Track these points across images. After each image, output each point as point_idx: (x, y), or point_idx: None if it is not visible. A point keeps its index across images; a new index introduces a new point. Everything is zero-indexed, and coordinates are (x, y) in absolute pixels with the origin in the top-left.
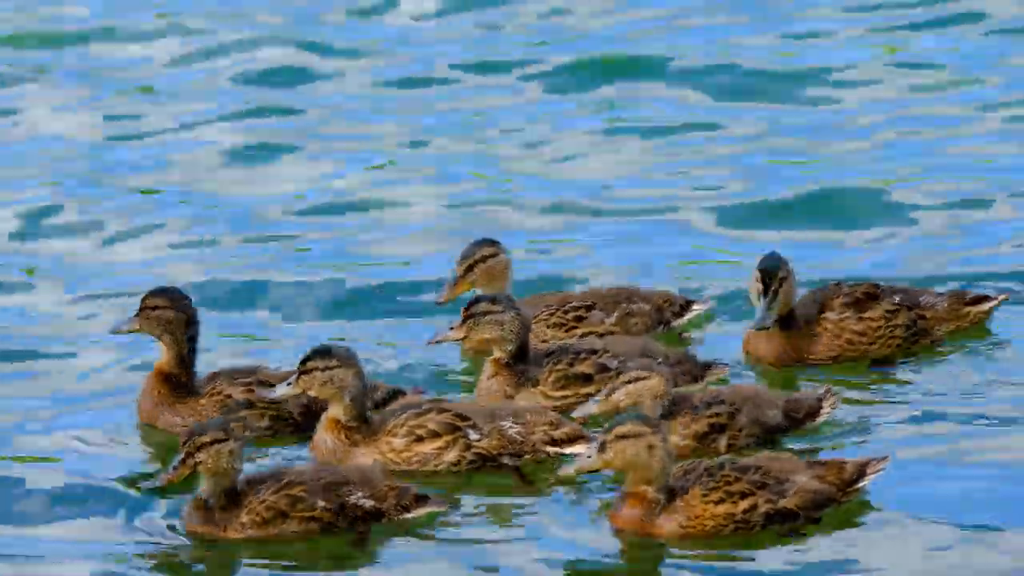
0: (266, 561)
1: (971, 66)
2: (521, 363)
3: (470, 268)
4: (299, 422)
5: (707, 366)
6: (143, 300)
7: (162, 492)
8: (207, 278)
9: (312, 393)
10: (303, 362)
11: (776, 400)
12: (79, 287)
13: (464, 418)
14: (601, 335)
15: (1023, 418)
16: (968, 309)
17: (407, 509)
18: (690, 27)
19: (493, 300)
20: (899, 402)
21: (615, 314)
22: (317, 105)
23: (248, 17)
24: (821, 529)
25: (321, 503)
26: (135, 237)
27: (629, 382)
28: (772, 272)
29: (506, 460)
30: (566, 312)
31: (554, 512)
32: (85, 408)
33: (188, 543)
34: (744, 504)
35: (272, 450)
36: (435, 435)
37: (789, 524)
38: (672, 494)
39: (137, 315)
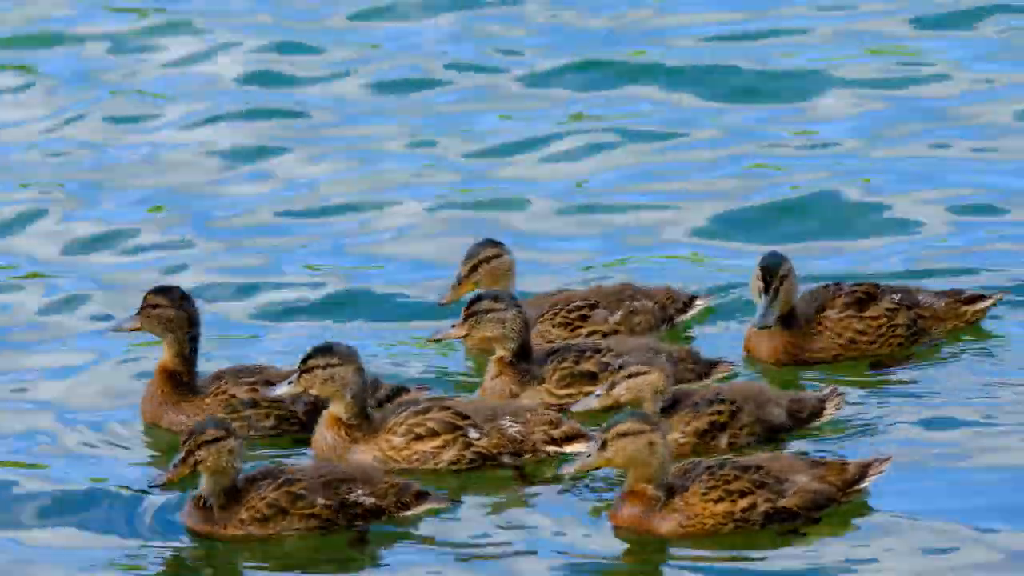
0: (266, 563)
1: (966, 66)
2: (524, 361)
3: (474, 268)
4: (304, 421)
5: (713, 364)
6: (144, 298)
7: (169, 489)
8: (204, 279)
9: (313, 391)
10: (304, 360)
11: (779, 399)
12: (79, 287)
13: (464, 417)
14: (605, 335)
15: None
16: (965, 308)
17: (407, 506)
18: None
19: (495, 298)
20: (901, 403)
21: (619, 312)
22: (313, 107)
23: (245, 17)
24: (821, 529)
25: (321, 500)
26: (132, 237)
27: (629, 376)
28: (773, 270)
29: (506, 459)
30: (570, 312)
31: (554, 512)
32: (85, 410)
33: (189, 545)
34: (743, 503)
35: (276, 450)
36: (434, 434)
37: (788, 523)
38: (672, 492)
39: (138, 313)
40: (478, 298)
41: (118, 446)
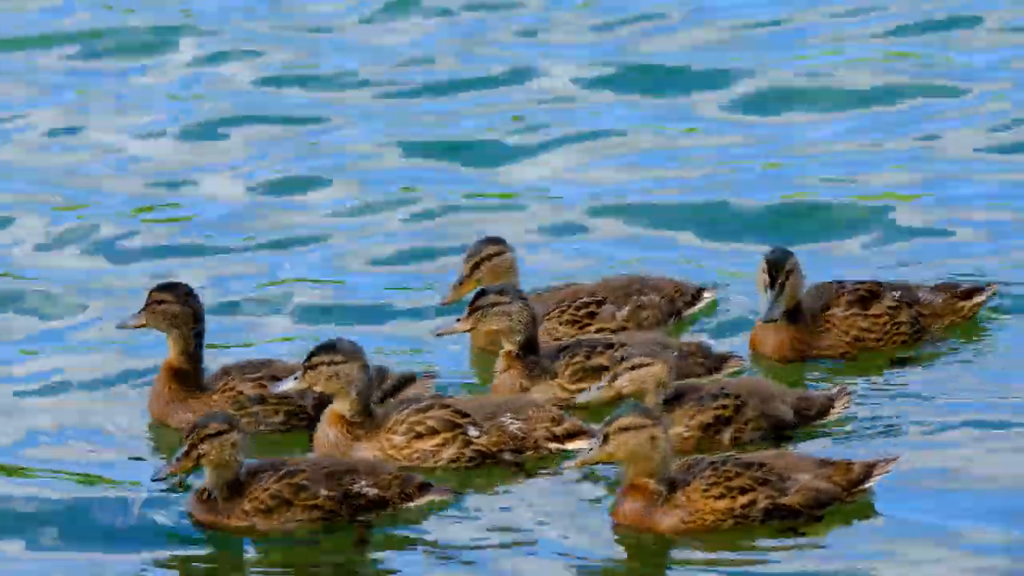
0: (269, 565)
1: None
2: (532, 355)
3: (476, 266)
4: (312, 416)
5: (724, 358)
6: (150, 294)
7: (171, 482)
8: (202, 284)
9: (318, 388)
10: (309, 357)
11: (785, 395)
12: (79, 286)
13: (464, 415)
14: (614, 331)
15: None
16: (962, 304)
17: (410, 498)
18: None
19: (500, 291)
20: (907, 403)
21: (627, 307)
22: (307, 114)
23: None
24: (823, 528)
25: (324, 491)
26: (128, 238)
27: (632, 368)
28: (779, 264)
29: (507, 456)
30: (577, 309)
31: (556, 510)
32: (90, 410)
33: (194, 550)
34: (743, 499)
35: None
36: (434, 432)
37: (789, 521)
38: (673, 487)
39: (144, 310)
40: (483, 292)
41: (118, 446)
